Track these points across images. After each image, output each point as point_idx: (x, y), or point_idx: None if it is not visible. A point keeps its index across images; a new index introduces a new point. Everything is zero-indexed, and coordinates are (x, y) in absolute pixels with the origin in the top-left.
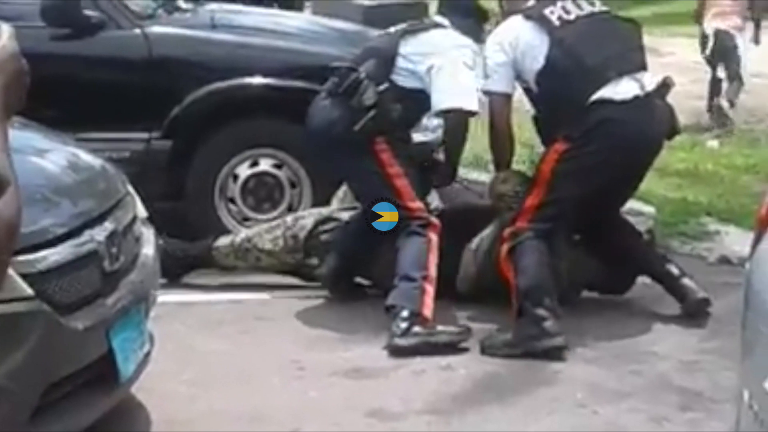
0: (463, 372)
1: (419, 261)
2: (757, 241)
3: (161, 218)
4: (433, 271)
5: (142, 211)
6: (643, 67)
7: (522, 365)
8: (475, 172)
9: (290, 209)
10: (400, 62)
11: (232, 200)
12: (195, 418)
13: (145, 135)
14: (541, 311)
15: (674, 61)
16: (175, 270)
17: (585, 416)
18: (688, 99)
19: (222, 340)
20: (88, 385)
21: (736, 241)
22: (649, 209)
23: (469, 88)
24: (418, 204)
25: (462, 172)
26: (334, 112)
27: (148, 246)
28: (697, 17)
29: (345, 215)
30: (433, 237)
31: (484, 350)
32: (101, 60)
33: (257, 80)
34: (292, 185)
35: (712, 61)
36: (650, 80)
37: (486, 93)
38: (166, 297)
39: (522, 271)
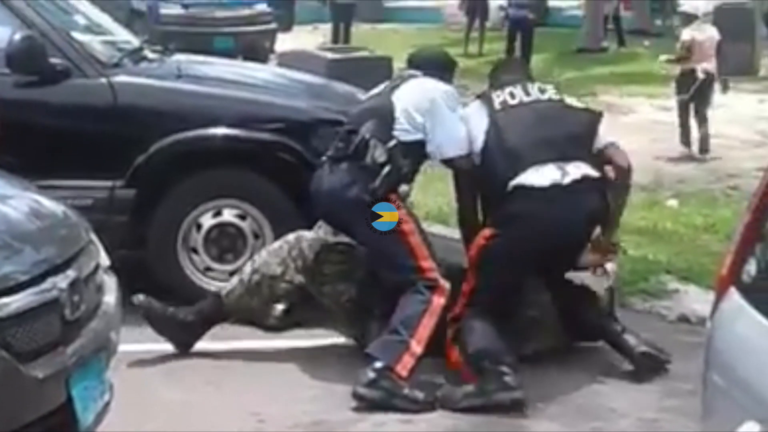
0: (424, 426)
1: (412, 320)
2: (718, 300)
3: (123, 267)
4: (424, 332)
5: (104, 260)
6: (574, 157)
7: (483, 421)
8: (437, 225)
9: None
10: (399, 117)
11: (194, 250)
12: None
13: (108, 183)
14: (501, 367)
15: (634, 120)
16: (191, 337)
17: None
18: (647, 158)
19: (183, 390)
20: None
21: (695, 299)
22: (609, 266)
23: (459, 134)
24: (430, 264)
25: (425, 225)
26: (348, 175)
27: (110, 294)
28: (680, 60)
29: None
30: (437, 300)
31: (442, 404)
32: (66, 108)
33: (222, 131)
34: (255, 236)
35: (691, 99)
36: (578, 170)
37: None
38: (128, 346)
39: (471, 342)
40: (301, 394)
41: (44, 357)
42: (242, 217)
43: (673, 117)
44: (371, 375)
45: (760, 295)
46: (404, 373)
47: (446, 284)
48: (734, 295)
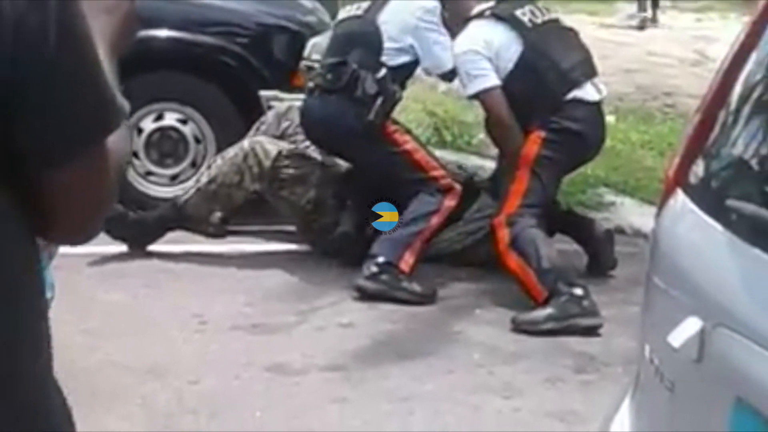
0: (364, 330)
1: (418, 218)
2: (663, 203)
3: None
4: (429, 231)
5: None
6: (595, 75)
7: (422, 326)
8: None
9: (194, 165)
10: (387, 43)
11: (135, 154)
12: (93, 369)
13: None
14: (577, 290)
15: None
16: (147, 238)
17: (481, 376)
18: None
19: (123, 292)
20: None
21: (631, 212)
22: None
23: (449, 47)
24: (441, 172)
25: None
26: (340, 107)
27: None
28: None
29: (312, 154)
30: (447, 202)
31: (520, 326)
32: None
33: (164, 33)
34: (197, 140)
35: None
36: (604, 87)
37: (478, 95)
38: (67, 248)
39: (540, 257)
40: (242, 298)
41: None
42: (184, 122)
43: (614, 35)
44: (373, 269)
45: (707, 196)
46: (406, 268)
47: (458, 187)
48: (680, 197)
